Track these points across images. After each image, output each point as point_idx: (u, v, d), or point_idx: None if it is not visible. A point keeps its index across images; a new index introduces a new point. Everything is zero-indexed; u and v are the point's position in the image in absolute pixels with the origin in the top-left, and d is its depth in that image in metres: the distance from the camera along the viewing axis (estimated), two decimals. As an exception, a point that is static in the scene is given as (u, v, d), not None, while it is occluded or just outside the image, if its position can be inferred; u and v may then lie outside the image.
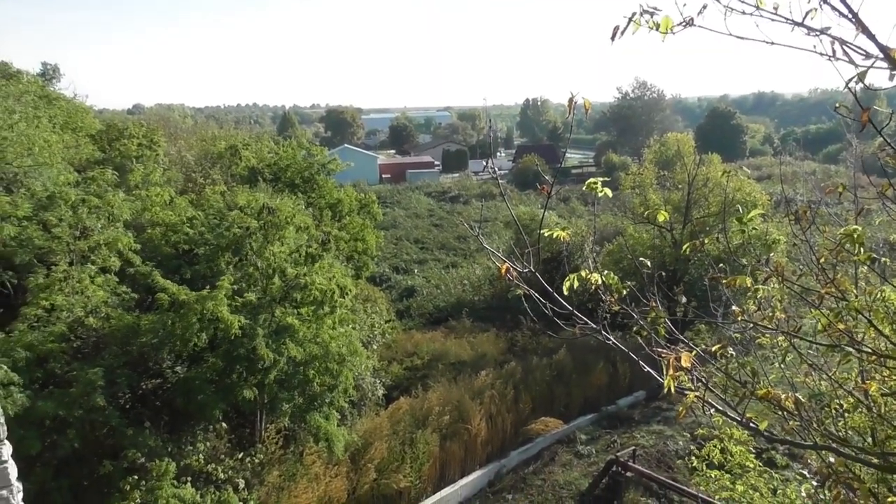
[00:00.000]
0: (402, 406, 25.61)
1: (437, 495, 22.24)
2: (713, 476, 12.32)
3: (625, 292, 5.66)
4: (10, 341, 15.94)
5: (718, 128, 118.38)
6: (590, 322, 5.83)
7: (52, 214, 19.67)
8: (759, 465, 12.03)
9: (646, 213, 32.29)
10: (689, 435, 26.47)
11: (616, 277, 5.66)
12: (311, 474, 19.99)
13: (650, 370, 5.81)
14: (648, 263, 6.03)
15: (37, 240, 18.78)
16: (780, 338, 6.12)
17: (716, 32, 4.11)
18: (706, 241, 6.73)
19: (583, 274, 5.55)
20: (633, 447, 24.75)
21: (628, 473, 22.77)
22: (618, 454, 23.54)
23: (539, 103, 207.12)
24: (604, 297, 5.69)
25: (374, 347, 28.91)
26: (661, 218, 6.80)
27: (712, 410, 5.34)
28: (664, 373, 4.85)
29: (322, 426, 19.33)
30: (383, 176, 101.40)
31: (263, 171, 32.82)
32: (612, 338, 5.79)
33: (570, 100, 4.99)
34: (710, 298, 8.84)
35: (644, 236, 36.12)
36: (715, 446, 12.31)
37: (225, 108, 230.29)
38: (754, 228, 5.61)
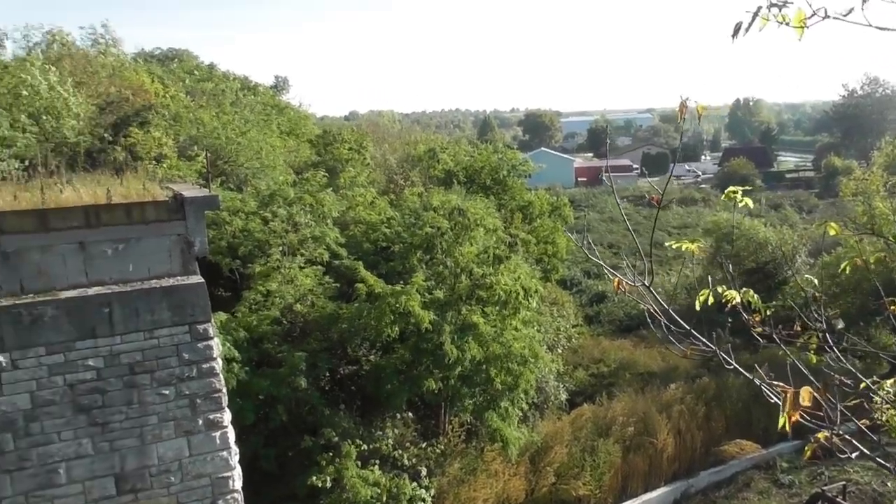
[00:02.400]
0: (584, 413, 25.24)
1: (619, 507, 21.69)
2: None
3: (768, 312, 5.17)
4: (234, 322, 18.13)
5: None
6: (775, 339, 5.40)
7: (272, 210, 22.05)
8: None
9: (869, 222, 29.01)
10: (914, 477, 23.27)
11: (756, 296, 5.19)
12: (490, 470, 20.43)
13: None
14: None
15: (257, 233, 21.17)
16: None
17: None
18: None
19: (719, 289, 5.17)
20: (844, 482, 22.26)
21: (836, 511, 20.55)
22: (825, 488, 21.30)
23: (751, 103, 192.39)
24: (747, 316, 5.23)
25: (559, 351, 28.78)
26: (888, 229, 6.09)
27: None
28: (781, 409, 4.33)
29: (499, 427, 19.70)
30: (579, 179, 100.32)
31: (458, 174, 34.05)
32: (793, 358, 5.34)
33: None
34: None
35: (867, 248, 32.28)
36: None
37: (430, 114, 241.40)
38: None
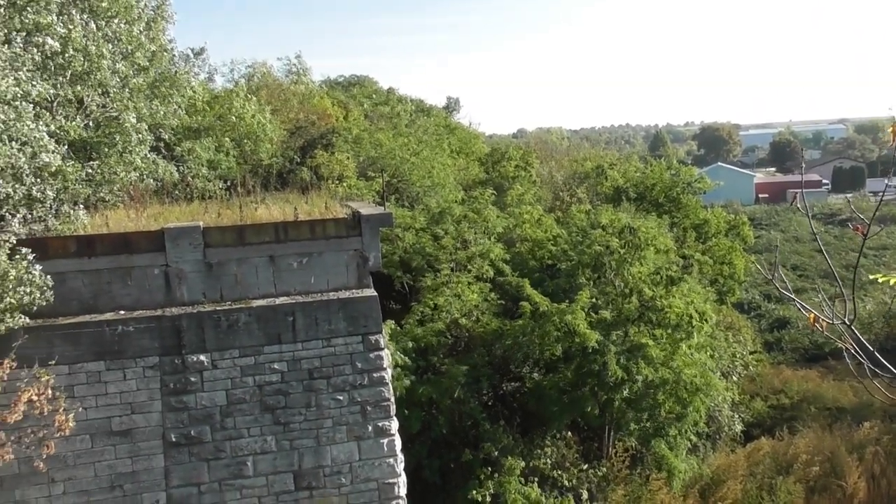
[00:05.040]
0: (762, 447, 23.45)
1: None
2: None
3: None
4: (403, 333, 18.94)
5: None
6: None
7: (441, 227, 22.83)
8: None
9: None
10: None
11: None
12: (655, 500, 19.53)
13: None
14: None
15: (428, 248, 22.02)
16: None
17: None
18: None
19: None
20: None
21: None
22: None
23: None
24: None
25: (735, 379, 26.99)
26: None
27: None
28: None
29: (666, 456, 18.84)
30: (760, 196, 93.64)
31: (628, 190, 33.14)
32: None
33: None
34: None
35: None
36: None
37: (599, 129, 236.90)
38: None
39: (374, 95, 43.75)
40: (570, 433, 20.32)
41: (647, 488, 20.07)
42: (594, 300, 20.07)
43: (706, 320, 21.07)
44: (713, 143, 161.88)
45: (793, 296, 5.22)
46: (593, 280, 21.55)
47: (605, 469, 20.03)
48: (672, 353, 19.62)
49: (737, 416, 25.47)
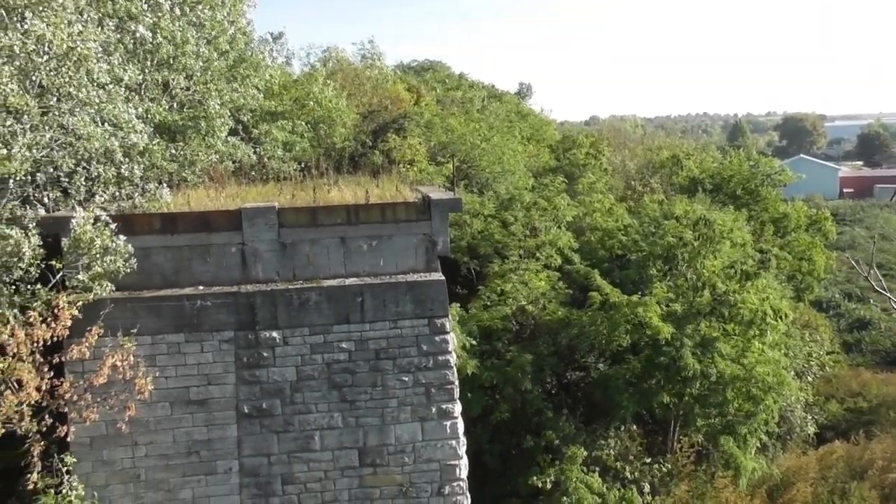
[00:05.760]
0: (836, 450, 22.67)
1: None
2: None
3: None
4: (469, 317, 19.06)
5: None
6: None
7: (510, 213, 22.80)
8: None
9: None
10: None
11: None
12: (720, 498, 19.16)
13: None
14: None
15: (496, 234, 22.07)
16: None
17: None
18: None
19: None
20: None
21: None
22: None
23: None
24: None
25: (810, 379, 26.05)
26: None
27: None
28: None
29: (734, 454, 18.38)
30: (844, 190, 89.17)
31: (704, 182, 32.20)
32: None
33: None
34: None
35: None
36: None
37: (674, 118, 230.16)
38: None
39: (446, 80, 43.82)
40: (634, 426, 20.06)
41: (712, 485, 19.69)
42: (666, 293, 19.69)
43: (782, 318, 20.37)
44: (796, 134, 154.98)
45: (889, 294, 5.01)
46: (664, 272, 21.12)
47: (669, 464, 19.73)
48: (744, 350, 19.09)
49: (810, 417, 24.62)
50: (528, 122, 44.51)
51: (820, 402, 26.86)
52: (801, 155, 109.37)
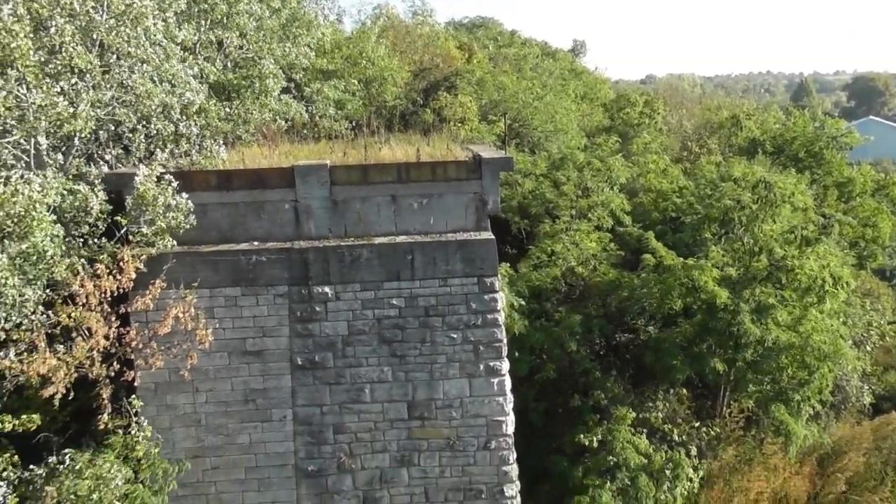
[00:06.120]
0: (892, 421, 22.08)
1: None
2: None
3: None
4: (518, 276, 19.10)
5: None
6: None
7: (562, 173, 22.55)
8: None
9: None
10: None
11: None
12: (768, 464, 18.99)
13: None
14: None
15: (547, 194, 21.89)
16: None
17: None
18: None
19: None
20: None
21: None
22: None
23: None
24: None
25: (868, 349, 25.27)
26: None
27: None
28: None
29: (786, 421, 18.12)
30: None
31: (765, 143, 31.06)
32: None
33: None
34: None
35: None
36: None
37: (735, 77, 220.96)
38: None
39: (498, 38, 43.10)
40: (683, 389, 19.93)
41: (761, 451, 19.52)
42: (723, 257, 19.32)
43: (842, 286, 19.73)
44: (866, 94, 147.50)
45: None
46: (719, 236, 20.65)
47: (717, 428, 19.60)
48: (801, 317, 18.64)
49: (866, 387, 23.93)
50: (581, 81, 43.50)
51: (878, 372, 26.07)
52: (871, 116, 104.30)
